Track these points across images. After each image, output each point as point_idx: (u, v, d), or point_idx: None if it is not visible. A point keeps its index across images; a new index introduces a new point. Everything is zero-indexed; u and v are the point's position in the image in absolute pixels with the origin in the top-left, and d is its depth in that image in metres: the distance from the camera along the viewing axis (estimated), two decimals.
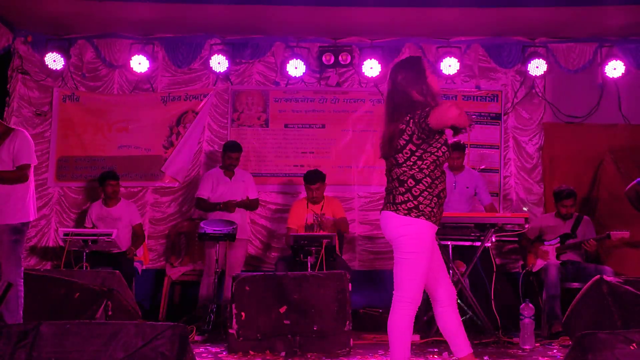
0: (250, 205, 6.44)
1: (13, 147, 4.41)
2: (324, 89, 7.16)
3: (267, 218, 7.01)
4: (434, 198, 3.19)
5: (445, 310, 3.33)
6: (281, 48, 7.04)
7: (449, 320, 3.33)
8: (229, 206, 6.15)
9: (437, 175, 3.21)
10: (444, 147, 3.21)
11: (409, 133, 3.15)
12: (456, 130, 3.18)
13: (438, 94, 3.31)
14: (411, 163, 3.17)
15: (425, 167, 3.18)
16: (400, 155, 3.19)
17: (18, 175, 4.41)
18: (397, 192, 3.19)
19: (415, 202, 3.15)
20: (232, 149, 6.34)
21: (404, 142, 3.16)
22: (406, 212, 3.15)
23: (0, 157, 4.38)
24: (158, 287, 6.69)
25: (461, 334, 3.32)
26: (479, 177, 6.39)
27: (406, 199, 3.16)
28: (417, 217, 3.15)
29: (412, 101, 3.24)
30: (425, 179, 3.18)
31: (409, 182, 3.17)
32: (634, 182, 5.82)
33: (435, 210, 3.19)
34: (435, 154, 3.19)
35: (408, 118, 3.16)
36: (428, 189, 3.17)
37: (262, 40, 7.01)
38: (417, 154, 3.16)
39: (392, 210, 3.19)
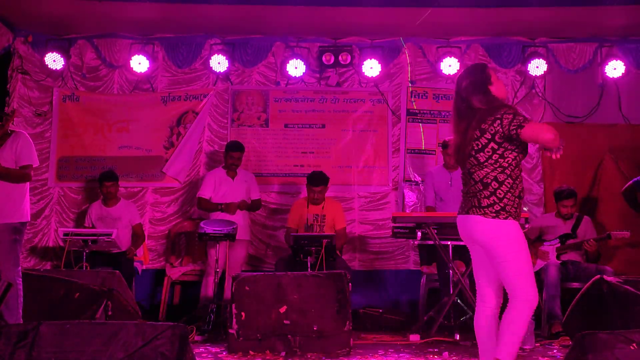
0: (253, 206, 6.44)
1: (16, 148, 4.48)
2: (324, 89, 7.16)
3: (267, 218, 7.00)
4: (516, 199, 3.24)
5: (488, 313, 3.33)
6: (281, 48, 7.04)
7: (487, 324, 3.32)
8: (230, 208, 6.15)
9: (517, 174, 3.27)
10: (523, 143, 3.28)
11: (492, 132, 3.19)
12: (546, 149, 3.29)
13: (504, 100, 3.36)
14: (493, 161, 3.22)
15: (507, 165, 3.23)
16: (482, 154, 3.23)
17: (23, 174, 4.48)
18: (482, 196, 3.24)
19: (502, 204, 3.20)
20: (234, 148, 6.34)
21: (486, 141, 3.21)
22: (494, 215, 3.20)
23: (3, 157, 4.41)
24: (158, 287, 6.69)
25: (491, 342, 3.29)
26: None
27: (492, 201, 3.21)
28: (506, 218, 3.19)
29: (473, 109, 3.30)
30: (507, 180, 3.22)
31: (492, 184, 3.22)
32: (631, 182, 5.83)
33: (518, 210, 3.25)
34: (515, 150, 3.24)
35: (493, 119, 3.20)
36: (510, 190, 3.22)
37: (262, 40, 7.01)
38: (498, 152, 3.21)
39: (479, 214, 3.23)
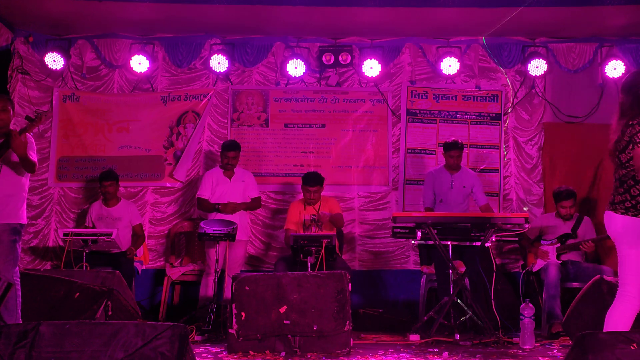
0: (252, 205, 6.42)
1: None
2: (324, 88, 7.16)
3: (267, 218, 7.01)
4: None
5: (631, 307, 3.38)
6: (281, 48, 7.05)
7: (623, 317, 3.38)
8: (227, 208, 6.14)
9: None
10: None
11: (629, 135, 3.28)
12: None
13: None
14: (632, 163, 3.31)
15: None
16: (624, 155, 3.34)
17: (33, 163, 4.48)
18: (617, 192, 3.38)
19: (634, 202, 3.31)
20: (229, 148, 6.30)
21: (625, 143, 3.31)
22: (623, 211, 3.32)
23: (11, 155, 4.44)
24: (158, 287, 6.69)
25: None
26: (475, 177, 6.38)
27: (624, 198, 3.34)
28: (635, 215, 3.30)
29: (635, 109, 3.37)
30: None
31: (629, 182, 3.34)
32: None
33: None
34: None
35: (631, 122, 3.28)
36: None
37: (262, 40, 7.01)
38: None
39: (611, 210, 3.39)
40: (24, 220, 4.52)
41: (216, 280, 5.75)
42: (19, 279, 4.38)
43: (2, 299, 4.16)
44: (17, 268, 4.42)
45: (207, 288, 6.03)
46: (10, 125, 4.62)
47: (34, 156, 4.55)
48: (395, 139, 7.10)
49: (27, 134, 4.61)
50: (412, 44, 7.04)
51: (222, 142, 6.87)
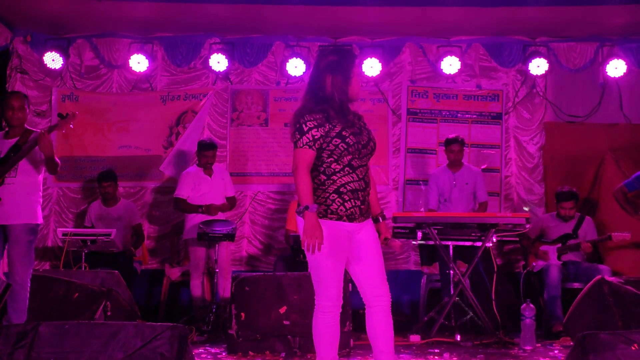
0: (230, 205, 6.40)
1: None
2: None
3: (267, 218, 6.99)
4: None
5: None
6: (281, 47, 7.03)
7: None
8: (211, 210, 6.07)
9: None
10: None
11: None
12: None
13: None
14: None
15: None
16: None
17: (56, 165, 4.47)
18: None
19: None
20: (207, 147, 6.24)
21: None
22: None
23: (35, 155, 4.44)
24: (157, 288, 6.67)
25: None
26: (479, 174, 6.33)
27: None
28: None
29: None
30: None
31: None
32: (621, 184, 5.85)
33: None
34: None
35: None
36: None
37: (261, 40, 7.00)
38: None
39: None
40: (41, 220, 4.51)
41: (217, 280, 5.74)
42: (29, 280, 4.37)
43: (1, 298, 4.16)
44: (31, 269, 4.40)
45: (197, 289, 6.01)
46: (25, 124, 4.59)
47: (55, 157, 4.52)
48: (396, 139, 7.08)
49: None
50: (413, 43, 7.02)
51: (222, 142, 6.89)
